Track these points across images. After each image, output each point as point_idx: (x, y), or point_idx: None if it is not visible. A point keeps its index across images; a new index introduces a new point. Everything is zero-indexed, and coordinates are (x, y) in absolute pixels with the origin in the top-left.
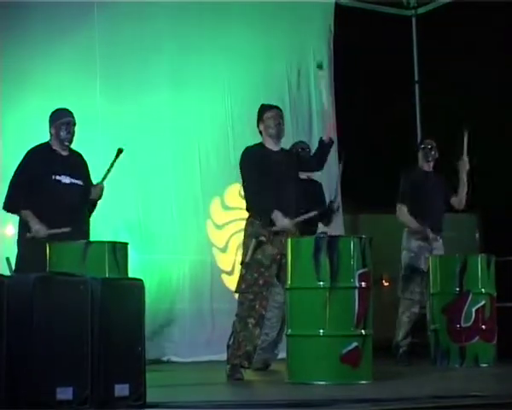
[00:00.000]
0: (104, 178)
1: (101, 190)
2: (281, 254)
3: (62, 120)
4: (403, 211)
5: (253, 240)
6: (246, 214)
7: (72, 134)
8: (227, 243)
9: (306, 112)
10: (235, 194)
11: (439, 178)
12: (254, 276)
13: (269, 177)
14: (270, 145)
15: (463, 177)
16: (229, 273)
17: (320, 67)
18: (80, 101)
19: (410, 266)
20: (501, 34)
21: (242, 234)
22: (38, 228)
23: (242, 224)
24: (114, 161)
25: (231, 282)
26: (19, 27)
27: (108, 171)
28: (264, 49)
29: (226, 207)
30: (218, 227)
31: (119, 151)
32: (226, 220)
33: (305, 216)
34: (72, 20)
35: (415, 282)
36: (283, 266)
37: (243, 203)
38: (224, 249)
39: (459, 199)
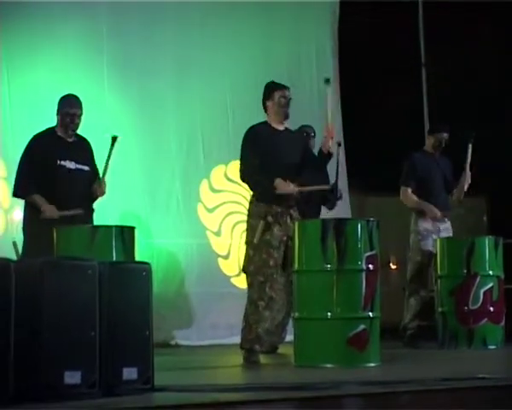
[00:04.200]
0: (105, 172)
1: (105, 186)
2: (287, 235)
3: (69, 111)
4: (407, 193)
5: (261, 222)
6: (235, 197)
7: (77, 124)
8: (220, 226)
9: (307, 98)
10: (220, 176)
11: (444, 160)
12: (263, 257)
13: (272, 155)
14: (275, 124)
15: (463, 187)
16: (225, 257)
17: (327, 81)
18: (87, 86)
19: (418, 248)
20: (507, 19)
21: (234, 217)
22: (49, 210)
23: (233, 206)
24: (111, 150)
25: (227, 266)
26: (24, 12)
27: (107, 162)
28: (266, 38)
29: (214, 190)
30: (209, 210)
31: (114, 139)
32: (216, 203)
33: (312, 188)
34: (81, 10)
35: (423, 264)
36: (290, 248)
37: (229, 185)
38: (218, 233)
39: (455, 199)
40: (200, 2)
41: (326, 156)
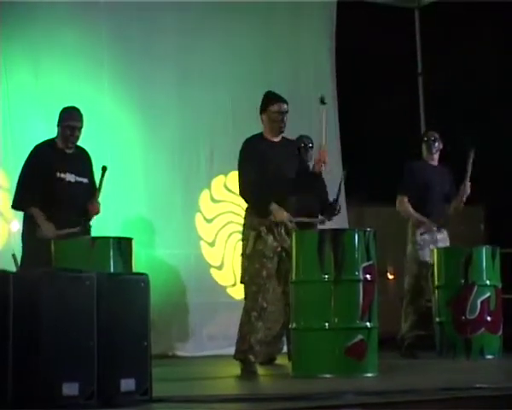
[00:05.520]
0: (98, 195)
1: (99, 205)
2: (281, 246)
3: (68, 123)
4: (403, 203)
5: (252, 232)
6: (233, 207)
7: (77, 137)
8: (216, 236)
9: (305, 106)
10: (220, 186)
11: (443, 171)
12: (256, 267)
13: (268, 168)
14: (271, 136)
15: (461, 199)
16: (219, 268)
17: (322, 101)
18: (87, 94)
19: (416, 258)
20: (504, 25)
21: (230, 227)
22: (46, 229)
23: (230, 217)
24: (102, 179)
25: (221, 277)
26: (24, 18)
27: (99, 190)
28: (265, 45)
29: (214, 200)
30: (208, 221)
31: (104, 169)
32: (215, 213)
33: (306, 220)
34: (81, 17)
35: (420, 274)
36: (283, 259)
37: (228, 196)
38: (212, 244)
39: (453, 209)
40: (199, 10)
41: (317, 175)
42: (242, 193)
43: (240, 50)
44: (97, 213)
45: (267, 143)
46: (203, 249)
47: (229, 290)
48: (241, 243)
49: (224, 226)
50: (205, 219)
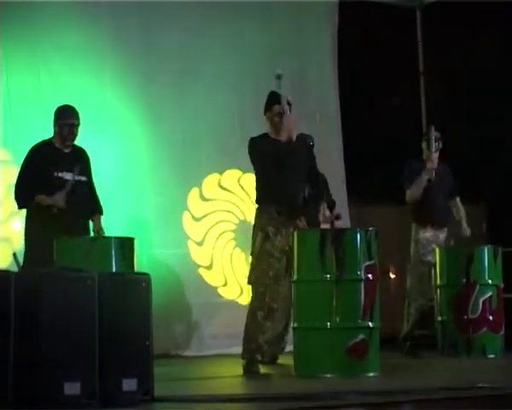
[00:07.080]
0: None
1: (103, 233)
2: (289, 246)
3: (66, 121)
4: (411, 190)
5: (260, 233)
6: (227, 206)
7: (75, 135)
8: (204, 235)
9: (308, 105)
10: (213, 184)
11: (443, 168)
12: (263, 268)
13: (276, 166)
14: (276, 135)
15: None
16: (208, 268)
17: (279, 78)
18: (89, 92)
19: (418, 257)
20: (504, 25)
21: (222, 226)
22: (58, 201)
23: (223, 215)
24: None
25: (210, 277)
26: (24, 16)
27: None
28: (268, 44)
29: (204, 199)
30: (197, 219)
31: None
32: (205, 212)
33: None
34: (83, 15)
35: (423, 274)
36: (291, 259)
37: (222, 194)
38: (200, 243)
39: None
40: (202, 10)
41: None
42: (258, 193)
43: (243, 49)
44: (98, 234)
45: (272, 142)
46: (191, 249)
47: (220, 291)
48: (231, 242)
49: (214, 225)
50: (193, 217)
